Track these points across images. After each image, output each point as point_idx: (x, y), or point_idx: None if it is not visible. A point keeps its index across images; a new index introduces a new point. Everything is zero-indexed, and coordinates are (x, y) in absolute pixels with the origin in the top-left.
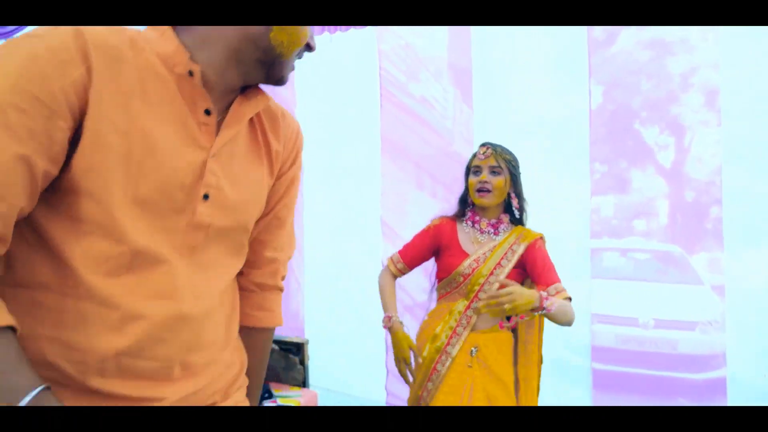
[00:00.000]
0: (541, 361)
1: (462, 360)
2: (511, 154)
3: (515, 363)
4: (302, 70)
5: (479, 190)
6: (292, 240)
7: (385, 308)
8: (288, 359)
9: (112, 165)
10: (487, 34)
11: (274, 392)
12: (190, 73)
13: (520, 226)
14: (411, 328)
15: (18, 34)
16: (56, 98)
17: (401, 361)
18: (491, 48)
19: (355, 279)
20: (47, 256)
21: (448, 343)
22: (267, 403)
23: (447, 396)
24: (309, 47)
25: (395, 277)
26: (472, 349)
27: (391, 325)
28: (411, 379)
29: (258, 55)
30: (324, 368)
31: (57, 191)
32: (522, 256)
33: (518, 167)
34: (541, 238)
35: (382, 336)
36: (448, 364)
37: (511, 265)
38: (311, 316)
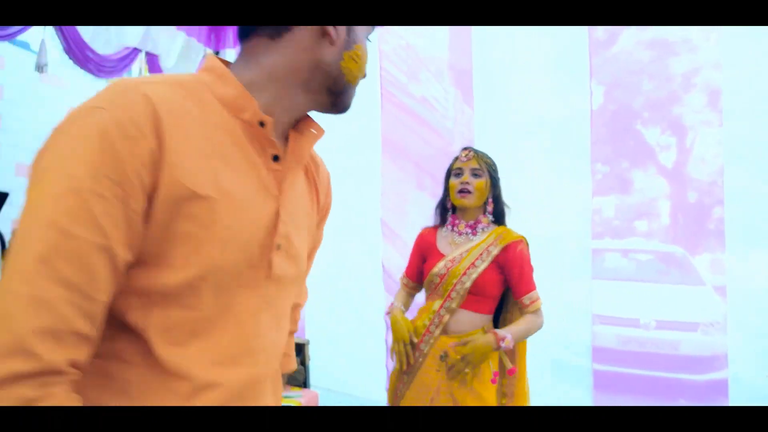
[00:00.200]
0: (527, 387)
1: (432, 362)
2: (491, 159)
3: (502, 376)
4: None
5: (460, 191)
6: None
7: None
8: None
9: (194, 233)
10: (487, 35)
11: None
12: (261, 124)
13: (501, 227)
14: None
15: (86, 104)
16: (130, 180)
17: (400, 342)
18: (492, 48)
19: (355, 279)
20: (118, 327)
21: (421, 341)
22: None
23: (416, 394)
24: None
25: (411, 294)
26: (442, 354)
27: (391, 310)
28: (407, 361)
29: (328, 84)
30: (325, 369)
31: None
32: (499, 258)
33: (497, 172)
34: (522, 241)
35: (383, 336)
36: (420, 360)
37: (485, 265)
38: (312, 317)
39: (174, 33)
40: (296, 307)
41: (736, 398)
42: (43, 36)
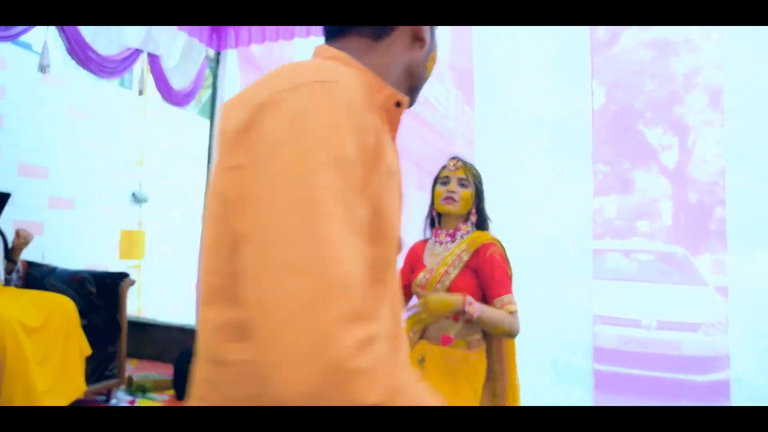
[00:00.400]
0: (518, 387)
1: (413, 366)
2: (477, 171)
3: (490, 378)
4: None
5: (445, 198)
6: None
7: None
8: None
9: (394, 207)
10: (488, 35)
11: None
12: (398, 105)
13: (477, 232)
14: None
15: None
16: (371, 149)
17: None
18: (493, 48)
19: None
20: None
21: None
22: None
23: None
24: None
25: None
26: (420, 358)
27: None
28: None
29: (413, 82)
30: None
31: None
32: (470, 262)
33: (482, 184)
34: (494, 243)
35: None
36: None
37: (456, 271)
38: None
39: (175, 33)
40: None
41: (738, 398)
42: (45, 37)
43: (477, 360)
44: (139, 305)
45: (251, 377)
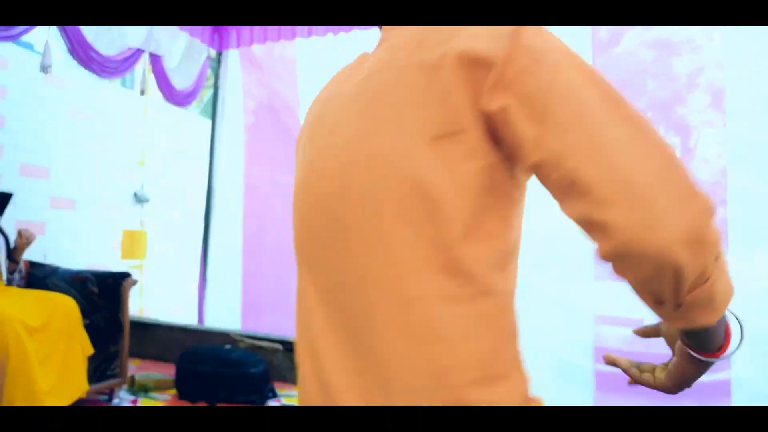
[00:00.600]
0: None
1: None
2: None
3: None
4: (306, 70)
5: None
6: None
7: None
8: (292, 359)
9: None
10: None
11: (279, 391)
12: None
13: None
14: None
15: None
16: None
17: None
18: None
19: None
20: None
21: None
22: (272, 403)
23: None
24: None
25: None
26: None
27: None
28: None
29: None
30: None
31: None
32: None
33: None
34: None
35: None
36: None
37: None
38: None
39: (177, 33)
40: None
41: (739, 398)
42: (47, 37)
43: None
44: (141, 305)
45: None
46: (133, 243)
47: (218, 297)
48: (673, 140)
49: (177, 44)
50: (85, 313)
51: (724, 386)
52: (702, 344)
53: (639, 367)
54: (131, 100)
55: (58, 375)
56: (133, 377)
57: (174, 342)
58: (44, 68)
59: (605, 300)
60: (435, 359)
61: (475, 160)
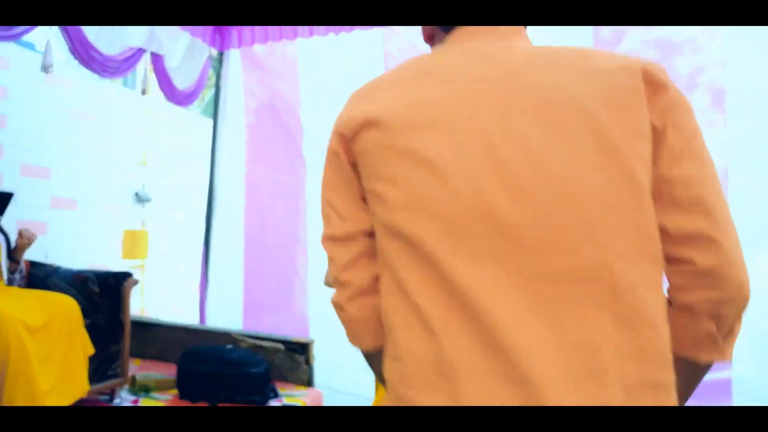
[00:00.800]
0: None
1: None
2: None
3: None
4: (307, 70)
5: None
6: None
7: None
8: (294, 359)
9: None
10: None
11: (280, 391)
12: None
13: None
14: None
15: None
16: None
17: None
18: None
19: None
20: None
21: None
22: (273, 403)
23: (379, 386)
24: None
25: None
26: None
27: None
28: None
29: None
30: (329, 368)
31: None
32: None
33: None
34: None
35: None
36: None
37: None
38: (316, 317)
39: (178, 33)
40: None
41: (740, 398)
42: (48, 36)
43: None
44: (142, 305)
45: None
46: (134, 243)
47: (219, 297)
48: None
49: (178, 44)
50: (86, 313)
51: (725, 386)
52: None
53: None
54: (132, 100)
55: (58, 375)
56: (134, 377)
57: (175, 342)
58: (45, 68)
59: None
60: (644, 345)
61: (648, 162)
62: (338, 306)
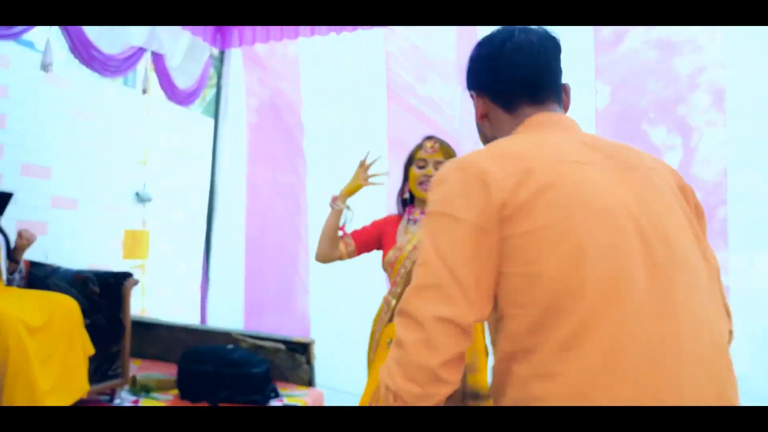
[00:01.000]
0: (486, 352)
1: (383, 351)
2: (455, 151)
3: None
4: (309, 70)
5: (422, 183)
6: None
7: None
8: (294, 359)
9: None
10: None
11: (281, 391)
12: None
13: None
14: None
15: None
16: None
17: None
18: None
19: (360, 279)
20: None
21: (375, 329)
22: (274, 403)
23: (372, 382)
24: None
25: (341, 257)
26: (388, 340)
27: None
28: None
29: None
30: (330, 368)
31: None
32: None
33: None
34: None
35: None
36: (374, 348)
37: None
38: (317, 317)
39: (179, 32)
40: None
41: (740, 398)
42: (48, 35)
43: None
44: (142, 305)
45: None
46: (134, 243)
47: (220, 297)
48: (675, 140)
49: (179, 43)
50: (86, 313)
51: None
52: None
53: None
54: (133, 99)
55: (58, 375)
56: (134, 377)
57: (176, 342)
58: (45, 67)
59: None
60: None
61: None
62: (422, 399)
